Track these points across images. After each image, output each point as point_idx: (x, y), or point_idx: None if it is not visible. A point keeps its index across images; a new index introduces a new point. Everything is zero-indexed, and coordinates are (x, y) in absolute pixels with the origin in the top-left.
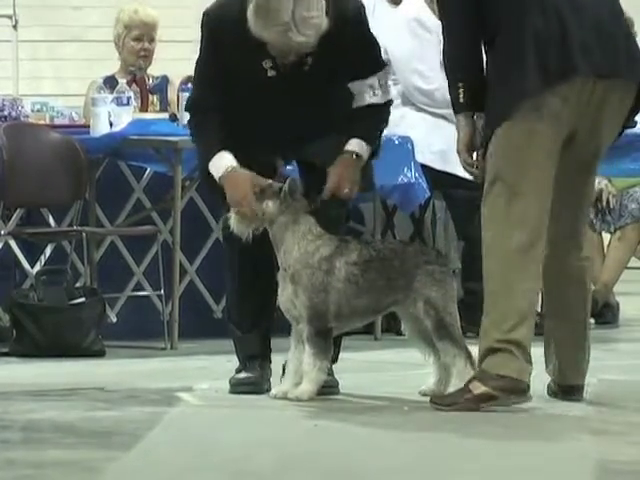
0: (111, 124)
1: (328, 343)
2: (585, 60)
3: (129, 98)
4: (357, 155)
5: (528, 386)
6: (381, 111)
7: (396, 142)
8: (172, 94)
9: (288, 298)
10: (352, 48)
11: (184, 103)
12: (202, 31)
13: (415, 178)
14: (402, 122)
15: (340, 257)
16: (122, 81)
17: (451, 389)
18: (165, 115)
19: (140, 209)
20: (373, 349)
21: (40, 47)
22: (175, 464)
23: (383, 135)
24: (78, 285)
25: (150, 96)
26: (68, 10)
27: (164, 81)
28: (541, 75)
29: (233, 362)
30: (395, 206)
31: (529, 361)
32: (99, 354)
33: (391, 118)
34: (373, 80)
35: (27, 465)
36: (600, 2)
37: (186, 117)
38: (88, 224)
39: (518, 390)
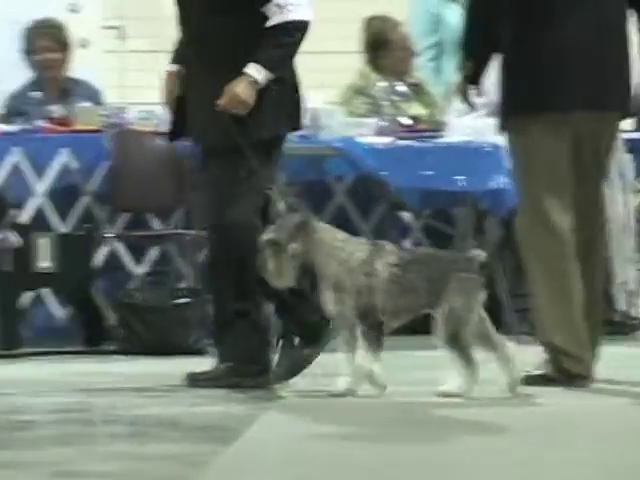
0: None
1: (381, 338)
2: (573, 96)
3: None
4: (253, 79)
5: None
6: (284, 34)
7: (487, 149)
8: None
9: (333, 306)
10: None
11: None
12: None
13: (505, 184)
14: (489, 131)
15: (379, 259)
16: None
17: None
18: None
19: None
20: None
21: (146, 58)
22: (275, 458)
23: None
24: (182, 286)
25: None
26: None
27: None
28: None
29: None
30: (486, 210)
31: None
32: (202, 352)
33: (479, 126)
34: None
35: (133, 458)
36: (606, 41)
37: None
38: (192, 228)
39: None
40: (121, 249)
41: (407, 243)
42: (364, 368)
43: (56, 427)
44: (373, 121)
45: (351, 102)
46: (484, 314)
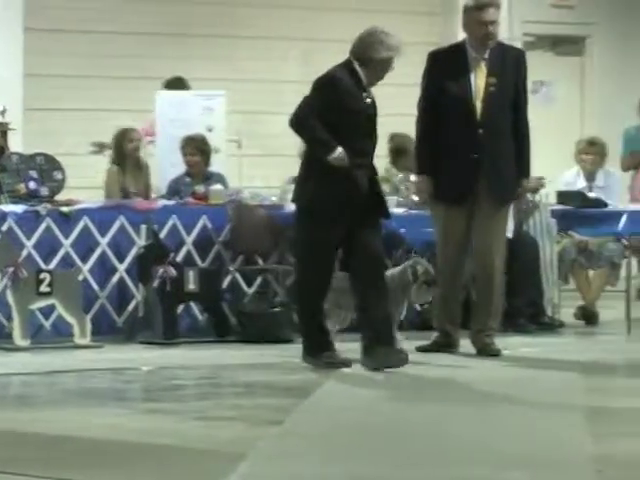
0: None
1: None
2: None
3: None
4: None
5: None
6: None
7: None
8: None
9: None
10: None
11: None
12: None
13: None
14: None
15: None
16: None
17: None
18: None
19: None
20: None
21: (255, 159)
22: (338, 406)
23: None
24: (276, 300)
25: None
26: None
27: None
28: None
29: None
30: None
31: None
32: (290, 341)
33: None
34: None
35: (246, 408)
36: None
37: None
38: (282, 263)
39: None
40: (239, 277)
41: None
42: None
43: (196, 389)
44: (393, 198)
45: None
46: None
